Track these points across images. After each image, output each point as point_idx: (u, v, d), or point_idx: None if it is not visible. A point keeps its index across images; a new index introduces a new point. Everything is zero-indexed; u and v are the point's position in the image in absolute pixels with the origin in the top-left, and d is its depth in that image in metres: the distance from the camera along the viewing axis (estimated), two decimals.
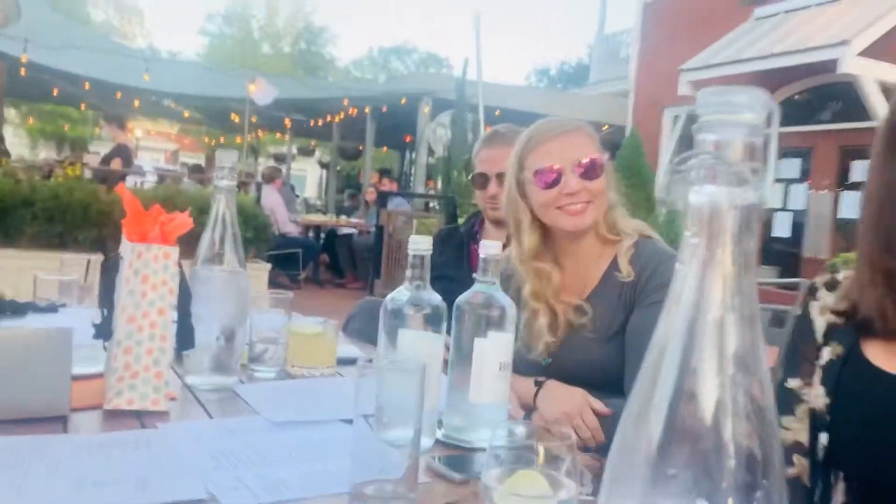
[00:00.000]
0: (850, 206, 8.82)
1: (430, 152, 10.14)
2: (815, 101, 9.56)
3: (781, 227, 9.61)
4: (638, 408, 0.41)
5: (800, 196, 9.39)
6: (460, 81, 8.30)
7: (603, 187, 1.52)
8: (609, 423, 1.40)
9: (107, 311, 1.13)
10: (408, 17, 74.07)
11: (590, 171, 1.50)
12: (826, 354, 1.04)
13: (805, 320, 1.08)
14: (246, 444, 0.98)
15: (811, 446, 1.00)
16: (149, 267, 1.08)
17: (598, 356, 1.50)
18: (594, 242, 1.56)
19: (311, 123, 13.13)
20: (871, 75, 7.61)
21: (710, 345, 0.40)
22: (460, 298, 1.12)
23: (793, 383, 1.06)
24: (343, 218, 9.95)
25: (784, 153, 9.75)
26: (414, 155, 16.93)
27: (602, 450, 1.38)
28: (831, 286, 1.08)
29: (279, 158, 17.09)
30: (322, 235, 9.83)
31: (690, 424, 0.39)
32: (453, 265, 2.36)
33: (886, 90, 7.77)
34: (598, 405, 1.42)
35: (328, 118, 12.79)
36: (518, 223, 1.56)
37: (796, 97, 9.64)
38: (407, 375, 0.80)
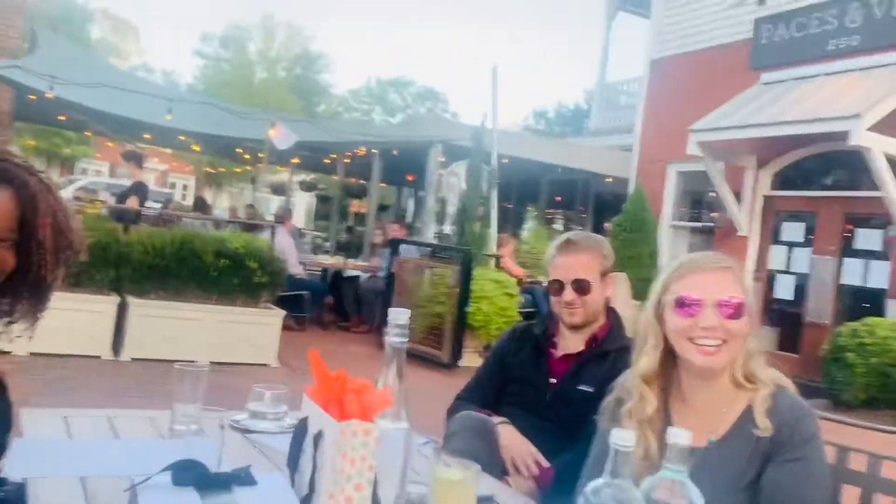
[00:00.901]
0: (852, 272, 8.98)
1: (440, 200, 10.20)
2: (820, 168, 9.77)
3: (784, 290, 9.75)
4: None
5: (803, 259, 9.54)
6: (477, 131, 8.38)
7: (742, 330, 1.53)
8: None
9: (292, 472, 1.15)
10: (404, 50, 74.75)
11: (731, 311, 1.52)
12: None
13: None
14: None
15: None
16: (348, 443, 1.10)
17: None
18: (728, 387, 1.57)
19: (320, 160, 13.21)
20: (879, 148, 7.80)
21: None
22: (646, 484, 1.13)
23: None
24: (351, 261, 9.95)
25: (788, 216, 9.93)
26: (414, 192, 17.07)
27: None
28: None
29: (278, 190, 17.09)
30: (328, 277, 9.81)
31: None
32: (530, 367, 2.39)
33: (893, 162, 7.97)
34: None
35: (335, 156, 12.86)
36: (644, 343, 1.60)
37: (803, 163, 9.83)
38: None
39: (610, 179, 13.01)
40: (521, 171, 12.62)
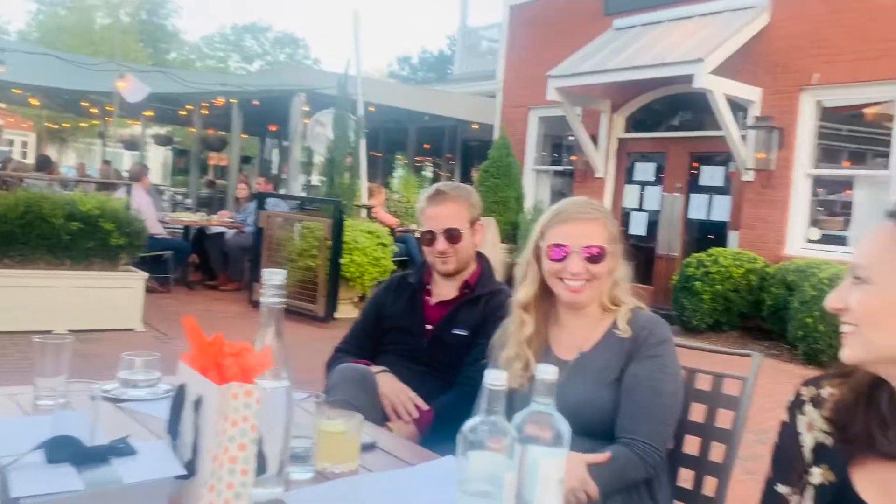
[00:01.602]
0: (698, 207, 9.67)
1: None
2: (668, 110, 10.36)
3: (637, 226, 10.36)
4: None
5: (654, 197, 10.16)
6: (342, 79, 8.20)
7: (603, 271, 1.78)
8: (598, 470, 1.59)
9: (173, 439, 1.15)
10: None
11: (594, 256, 1.77)
12: (817, 476, 1.07)
13: (793, 431, 1.13)
14: None
15: None
16: (230, 406, 1.10)
17: (597, 399, 1.72)
18: (596, 311, 1.84)
19: (174, 112, 12.52)
20: (720, 90, 8.35)
21: None
22: (517, 418, 1.22)
23: (783, 489, 1.15)
24: (215, 217, 9.60)
25: (640, 157, 10.50)
26: (278, 143, 16.56)
27: None
28: (817, 403, 1.11)
29: (130, 146, 16.11)
30: (191, 235, 9.44)
31: None
32: (407, 315, 2.45)
33: (732, 103, 8.57)
34: (597, 458, 1.60)
35: (191, 107, 12.24)
36: (524, 277, 1.86)
37: (652, 105, 10.38)
38: None
39: (476, 126, 13.19)
40: (388, 119, 12.56)
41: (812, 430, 1.10)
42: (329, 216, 7.28)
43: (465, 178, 13.77)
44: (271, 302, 1.27)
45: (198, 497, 1.10)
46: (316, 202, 8.75)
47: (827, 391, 1.10)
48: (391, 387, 2.22)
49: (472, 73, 14.24)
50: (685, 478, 1.88)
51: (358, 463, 1.49)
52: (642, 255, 10.36)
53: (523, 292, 1.84)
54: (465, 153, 14.69)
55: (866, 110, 8.64)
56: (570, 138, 10.78)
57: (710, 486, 1.83)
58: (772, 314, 7.61)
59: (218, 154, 16.67)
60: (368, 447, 1.56)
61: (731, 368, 1.89)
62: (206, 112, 12.43)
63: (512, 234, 10.66)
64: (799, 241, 8.61)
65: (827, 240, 8.42)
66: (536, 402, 1.22)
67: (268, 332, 1.27)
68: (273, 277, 1.27)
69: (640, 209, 10.37)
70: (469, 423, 1.16)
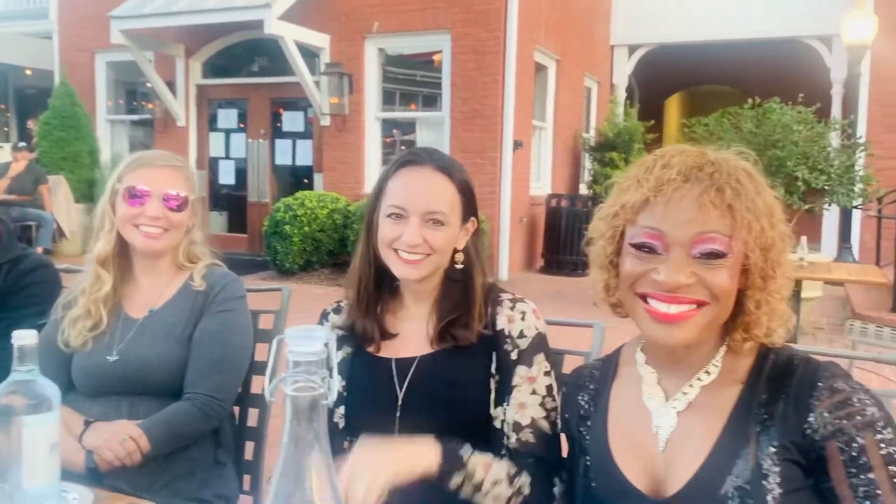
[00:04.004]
0: (283, 152, 9.89)
1: None
2: (247, 55, 10.25)
3: (226, 175, 10.24)
4: None
5: (240, 145, 10.10)
6: None
7: (183, 221, 1.74)
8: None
9: None
10: None
11: (175, 204, 1.72)
12: (340, 355, 1.41)
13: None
14: None
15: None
16: None
17: (165, 356, 1.68)
18: (171, 268, 1.79)
19: None
20: (291, 36, 8.52)
21: None
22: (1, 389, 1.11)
23: None
24: None
25: (223, 104, 10.29)
26: None
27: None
28: (337, 311, 1.47)
29: None
30: None
31: None
32: None
33: (305, 49, 8.83)
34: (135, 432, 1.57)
35: None
36: (100, 227, 1.74)
37: (230, 51, 10.16)
38: None
39: (29, 72, 11.56)
40: None
41: (334, 329, 1.44)
42: None
43: (22, 131, 12.05)
44: None
45: None
46: None
47: (345, 302, 1.45)
48: None
49: (18, 10, 12.31)
50: (253, 417, 1.94)
51: None
52: (235, 204, 10.31)
53: (101, 245, 1.72)
54: (21, 103, 12.82)
55: (429, 58, 9.57)
56: (148, 85, 10.07)
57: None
58: (351, 243, 8.18)
59: None
60: None
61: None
62: None
63: (88, 193, 9.71)
64: (374, 179, 9.33)
65: None
66: (17, 371, 1.12)
67: None
68: None
69: (227, 157, 10.22)
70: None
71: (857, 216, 9.28)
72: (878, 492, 0.89)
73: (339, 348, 1.42)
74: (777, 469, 0.95)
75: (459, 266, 1.40)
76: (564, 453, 1.31)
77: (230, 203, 10.38)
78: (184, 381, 1.68)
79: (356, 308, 1.41)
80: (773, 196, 1.03)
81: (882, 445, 0.91)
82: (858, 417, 0.93)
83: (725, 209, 0.97)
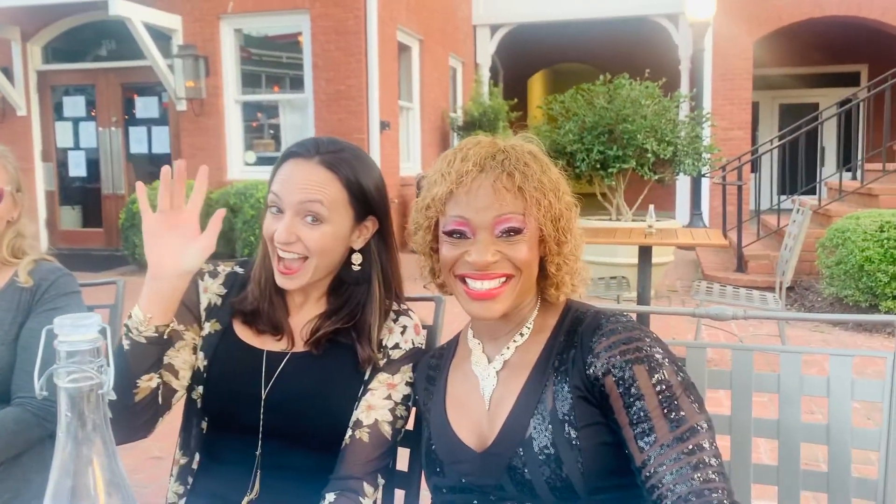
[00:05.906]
0: (138, 140, 9.38)
1: None
2: (94, 38, 9.61)
3: (77, 167, 9.61)
4: None
5: (90, 134, 9.49)
6: None
7: (1, 215, 1.65)
8: None
9: None
10: None
11: None
12: (207, 327, 1.35)
13: (191, 291, 1.34)
14: None
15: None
16: None
17: None
18: None
19: None
20: (138, 17, 8.06)
21: None
22: None
23: (178, 327, 1.31)
24: None
25: (67, 90, 9.62)
26: None
27: None
28: (213, 275, 1.40)
29: None
30: None
31: None
32: None
33: (156, 31, 8.39)
34: None
35: None
36: None
37: (74, 34, 9.49)
38: None
39: None
40: None
41: (207, 293, 1.37)
42: None
43: None
44: None
45: None
46: None
47: (222, 268, 1.41)
48: None
49: None
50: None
51: None
52: (89, 197, 9.70)
53: None
54: None
55: (293, 39, 9.31)
56: None
57: None
58: (220, 236, 7.91)
59: None
60: None
61: None
62: None
63: None
64: (238, 166, 9.07)
65: (262, 161, 9.04)
66: None
67: None
68: None
69: (76, 148, 9.58)
70: None
71: (706, 184, 9.92)
72: (650, 415, 1.00)
73: (209, 318, 1.35)
74: (572, 408, 1.07)
75: (356, 267, 1.34)
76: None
77: (83, 196, 9.76)
78: (12, 386, 1.56)
79: (258, 297, 1.35)
80: (557, 173, 1.15)
81: (653, 376, 1.02)
82: (630, 354, 1.04)
83: (517, 191, 1.09)
